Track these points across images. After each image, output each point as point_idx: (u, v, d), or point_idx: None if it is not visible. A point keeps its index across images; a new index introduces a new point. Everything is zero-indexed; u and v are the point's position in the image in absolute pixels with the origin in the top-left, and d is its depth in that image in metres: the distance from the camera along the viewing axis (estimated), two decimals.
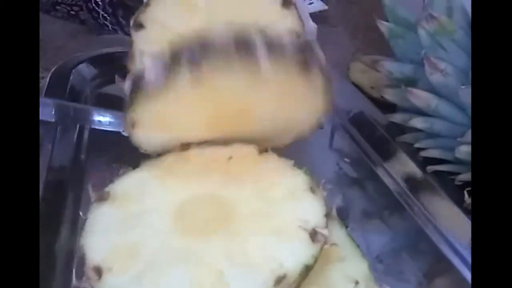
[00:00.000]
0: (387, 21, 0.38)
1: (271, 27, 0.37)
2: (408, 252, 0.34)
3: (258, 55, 0.29)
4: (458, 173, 0.36)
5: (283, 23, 0.37)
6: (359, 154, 0.43)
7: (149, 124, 0.31)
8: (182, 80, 0.30)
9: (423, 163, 0.38)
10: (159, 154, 0.32)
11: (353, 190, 0.40)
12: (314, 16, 0.67)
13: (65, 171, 0.37)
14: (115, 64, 0.49)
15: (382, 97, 0.41)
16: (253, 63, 0.29)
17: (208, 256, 0.24)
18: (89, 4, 0.55)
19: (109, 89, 0.50)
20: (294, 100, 0.32)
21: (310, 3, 0.67)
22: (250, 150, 0.31)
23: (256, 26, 0.37)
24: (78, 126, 0.43)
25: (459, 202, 0.34)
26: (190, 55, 0.29)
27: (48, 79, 0.45)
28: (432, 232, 0.34)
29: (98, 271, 0.24)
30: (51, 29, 0.59)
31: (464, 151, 0.33)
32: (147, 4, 0.35)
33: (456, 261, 0.32)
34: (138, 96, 0.30)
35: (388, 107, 0.41)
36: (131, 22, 0.35)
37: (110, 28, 0.55)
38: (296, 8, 0.37)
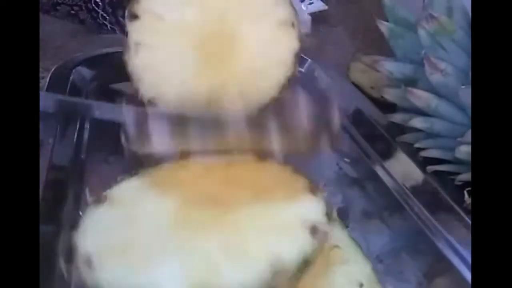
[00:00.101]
0: (387, 21, 0.38)
1: (265, 18, 0.37)
2: (408, 252, 0.34)
3: (270, 137, 0.27)
4: (458, 173, 0.36)
5: (276, 13, 0.37)
6: (359, 154, 0.43)
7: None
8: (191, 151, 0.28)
9: (423, 163, 0.38)
10: (159, 162, 0.31)
11: (353, 190, 0.40)
12: (314, 16, 0.68)
13: (65, 171, 0.37)
14: (115, 64, 0.49)
15: (382, 97, 0.41)
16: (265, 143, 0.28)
17: (204, 249, 0.24)
18: (88, 4, 0.55)
19: (109, 89, 0.50)
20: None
21: (310, 3, 0.67)
22: (249, 158, 0.31)
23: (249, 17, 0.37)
24: (78, 126, 0.43)
25: (459, 202, 0.34)
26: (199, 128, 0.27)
27: (48, 79, 0.45)
28: (432, 232, 0.34)
29: (89, 263, 0.24)
30: (51, 29, 0.59)
31: (464, 151, 0.33)
32: None
33: (456, 261, 0.32)
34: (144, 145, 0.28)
35: (388, 107, 0.41)
36: (126, 12, 0.35)
37: (109, 27, 0.55)
38: None
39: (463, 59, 0.34)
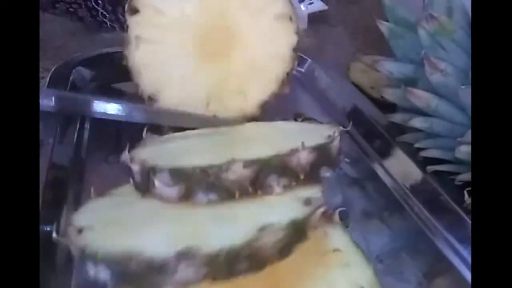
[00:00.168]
0: (387, 21, 0.38)
1: (263, 12, 0.37)
2: (408, 252, 0.34)
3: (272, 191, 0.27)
4: (458, 173, 0.36)
5: (274, 7, 0.37)
6: (359, 154, 0.43)
7: None
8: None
9: (423, 163, 0.38)
10: None
11: (353, 190, 0.40)
12: (314, 16, 0.68)
13: (65, 171, 0.37)
14: (115, 64, 0.49)
15: (382, 97, 0.41)
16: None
17: (193, 216, 0.24)
18: (88, 3, 0.55)
19: (109, 89, 0.50)
20: None
21: (310, 3, 0.67)
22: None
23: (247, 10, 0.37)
24: (78, 126, 0.43)
25: (459, 202, 0.34)
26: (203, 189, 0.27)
27: (48, 79, 0.45)
28: (432, 232, 0.34)
29: (80, 230, 0.23)
30: (51, 29, 0.59)
31: (464, 151, 0.33)
32: None
33: (456, 261, 0.32)
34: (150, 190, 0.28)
35: (388, 107, 0.41)
36: (126, 7, 0.36)
37: (108, 25, 0.55)
38: None
39: (463, 59, 0.34)
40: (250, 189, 0.26)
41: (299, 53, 0.40)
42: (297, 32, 0.38)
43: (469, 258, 0.31)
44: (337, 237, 0.29)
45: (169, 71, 0.37)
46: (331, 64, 0.54)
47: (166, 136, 0.34)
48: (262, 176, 0.26)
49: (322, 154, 0.28)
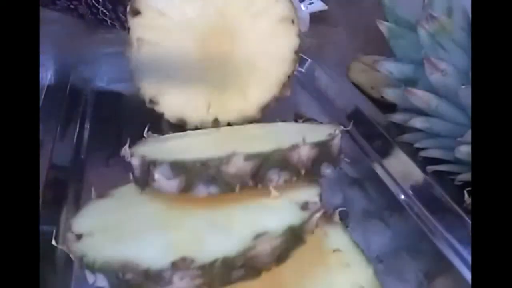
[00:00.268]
0: (387, 21, 0.38)
1: (265, 14, 0.37)
2: (408, 252, 0.34)
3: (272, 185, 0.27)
4: (458, 173, 0.36)
5: (276, 10, 0.37)
6: (359, 154, 0.43)
7: None
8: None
9: (423, 163, 0.38)
10: None
11: (353, 190, 0.40)
12: (314, 16, 0.68)
13: (65, 171, 0.37)
14: (115, 64, 0.49)
15: (382, 97, 0.41)
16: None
17: (190, 225, 0.24)
18: (88, 0, 0.55)
19: (109, 89, 0.50)
20: None
21: (310, 3, 0.67)
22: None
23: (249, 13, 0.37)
24: (78, 126, 0.43)
25: (459, 202, 0.34)
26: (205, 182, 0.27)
27: (48, 79, 0.46)
28: (432, 232, 0.34)
29: (79, 236, 0.24)
30: (51, 29, 0.59)
31: (464, 151, 0.33)
32: None
33: (456, 261, 0.32)
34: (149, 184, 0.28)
35: (388, 107, 0.41)
36: (127, 8, 0.35)
37: (109, 23, 0.55)
38: None
39: (463, 59, 0.34)
40: (250, 183, 0.26)
41: (299, 53, 0.40)
42: (299, 35, 0.38)
43: (469, 258, 0.31)
44: (337, 237, 0.29)
45: (170, 73, 0.37)
46: (331, 64, 0.54)
47: (166, 135, 0.34)
48: (263, 170, 0.26)
49: (323, 151, 0.28)
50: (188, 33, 0.37)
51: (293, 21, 0.38)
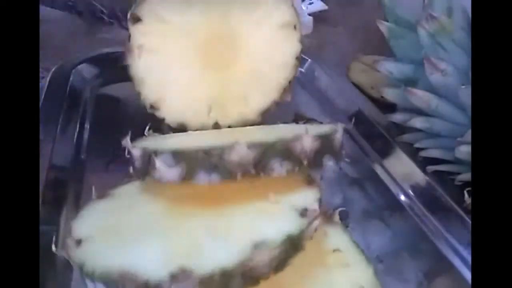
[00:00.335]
0: (387, 21, 0.38)
1: (267, 20, 0.37)
2: (408, 252, 0.34)
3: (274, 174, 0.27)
4: (458, 173, 0.36)
5: (278, 16, 0.37)
6: (359, 154, 0.43)
7: None
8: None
9: (423, 163, 0.38)
10: None
11: (353, 190, 0.40)
12: (314, 16, 0.68)
13: (65, 171, 0.37)
14: (115, 64, 0.49)
15: (382, 97, 0.41)
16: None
17: (189, 232, 0.24)
18: None
19: (109, 89, 0.50)
20: None
21: (310, 3, 0.67)
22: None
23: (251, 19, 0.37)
24: (78, 126, 0.43)
25: (459, 202, 0.34)
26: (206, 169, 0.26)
27: (48, 79, 0.45)
28: (432, 232, 0.34)
29: (78, 242, 0.24)
30: (51, 29, 0.59)
31: (464, 151, 0.33)
32: None
33: (456, 261, 0.32)
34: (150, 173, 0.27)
35: (388, 107, 0.41)
36: (128, 16, 0.35)
37: (107, 21, 0.55)
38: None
39: (463, 59, 0.34)
40: (252, 171, 0.26)
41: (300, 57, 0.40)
42: (301, 41, 0.38)
43: (469, 258, 0.31)
44: (337, 237, 0.29)
45: (171, 79, 0.37)
46: (331, 64, 0.54)
47: (167, 135, 0.34)
48: (265, 159, 0.26)
49: (326, 143, 0.28)
50: (189, 40, 0.37)
51: (295, 27, 0.38)
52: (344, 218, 0.34)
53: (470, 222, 0.33)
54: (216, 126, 0.38)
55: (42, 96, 0.43)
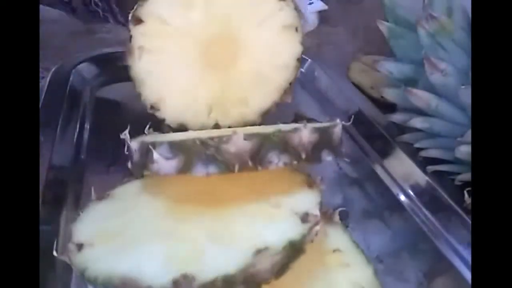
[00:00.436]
0: (387, 21, 0.38)
1: (268, 22, 0.37)
2: (408, 252, 0.34)
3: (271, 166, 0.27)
4: (458, 173, 0.36)
5: (279, 18, 0.37)
6: (359, 154, 0.43)
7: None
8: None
9: (423, 163, 0.38)
10: None
11: (353, 190, 0.40)
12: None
13: (65, 171, 0.37)
14: (115, 64, 0.49)
15: (382, 97, 0.41)
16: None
17: (190, 236, 0.24)
18: None
19: (109, 89, 0.50)
20: None
21: (310, 3, 0.67)
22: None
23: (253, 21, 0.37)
24: (78, 126, 0.43)
25: (459, 202, 0.34)
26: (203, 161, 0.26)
27: (48, 79, 0.46)
28: (432, 232, 0.34)
29: (79, 247, 0.24)
30: (51, 29, 0.59)
31: (464, 151, 0.33)
32: None
33: (456, 261, 0.32)
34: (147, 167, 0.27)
35: (388, 107, 0.41)
36: (130, 17, 0.35)
37: (101, 15, 0.54)
38: (293, 0, 0.37)
39: (463, 59, 0.34)
40: (250, 163, 0.25)
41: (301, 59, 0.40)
42: (302, 43, 0.38)
43: (469, 258, 0.31)
44: (337, 237, 0.29)
45: (172, 80, 0.37)
46: (331, 64, 0.54)
47: (166, 134, 0.35)
48: (263, 151, 0.26)
49: (324, 137, 0.28)
50: (190, 41, 0.37)
51: (296, 29, 0.38)
52: (344, 218, 0.34)
53: (470, 222, 0.33)
54: (216, 126, 0.38)
55: (42, 96, 0.43)
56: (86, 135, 0.43)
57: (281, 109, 0.40)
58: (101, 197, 0.29)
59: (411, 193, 0.37)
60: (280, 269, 0.22)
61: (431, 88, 0.35)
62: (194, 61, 0.37)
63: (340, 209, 0.31)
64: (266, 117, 0.39)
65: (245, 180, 0.28)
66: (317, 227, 0.24)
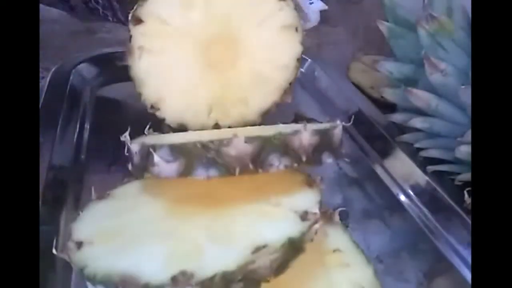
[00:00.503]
0: (387, 21, 0.38)
1: (268, 22, 0.37)
2: (408, 252, 0.34)
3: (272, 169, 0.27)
4: (458, 173, 0.36)
5: (279, 18, 0.37)
6: (359, 154, 0.43)
7: None
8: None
9: (423, 163, 0.38)
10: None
11: (353, 190, 0.40)
12: None
13: (65, 171, 0.37)
14: (115, 64, 0.49)
15: (382, 97, 0.41)
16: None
17: (190, 235, 0.24)
18: None
19: (109, 89, 0.50)
20: None
21: (310, 3, 0.67)
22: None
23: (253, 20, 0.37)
24: (78, 126, 0.43)
25: (459, 202, 0.34)
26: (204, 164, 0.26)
27: (48, 79, 0.46)
28: (432, 232, 0.34)
29: (79, 245, 0.24)
30: (51, 29, 0.59)
31: (464, 151, 0.33)
32: None
33: (456, 261, 0.32)
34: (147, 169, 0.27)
35: (388, 107, 0.41)
36: (129, 17, 0.35)
37: (101, 12, 0.54)
38: (293, 0, 0.37)
39: (463, 59, 0.34)
40: (250, 166, 0.25)
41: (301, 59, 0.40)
42: (302, 43, 0.38)
43: (469, 258, 0.31)
44: (337, 237, 0.29)
45: (172, 80, 0.37)
46: (331, 64, 0.54)
47: (166, 134, 0.34)
48: (264, 154, 0.26)
49: (324, 139, 0.28)
50: (190, 41, 0.37)
51: (296, 29, 0.38)
52: (344, 218, 0.34)
53: (470, 222, 0.33)
54: (216, 126, 0.38)
55: (42, 96, 0.43)
56: (86, 135, 0.43)
57: (281, 109, 0.40)
58: (101, 196, 0.29)
59: (411, 193, 0.37)
60: (279, 266, 0.23)
61: (431, 88, 0.35)
62: (194, 61, 0.37)
63: (340, 209, 0.31)
64: (266, 117, 0.39)
65: (245, 181, 0.28)
66: (317, 225, 0.24)
